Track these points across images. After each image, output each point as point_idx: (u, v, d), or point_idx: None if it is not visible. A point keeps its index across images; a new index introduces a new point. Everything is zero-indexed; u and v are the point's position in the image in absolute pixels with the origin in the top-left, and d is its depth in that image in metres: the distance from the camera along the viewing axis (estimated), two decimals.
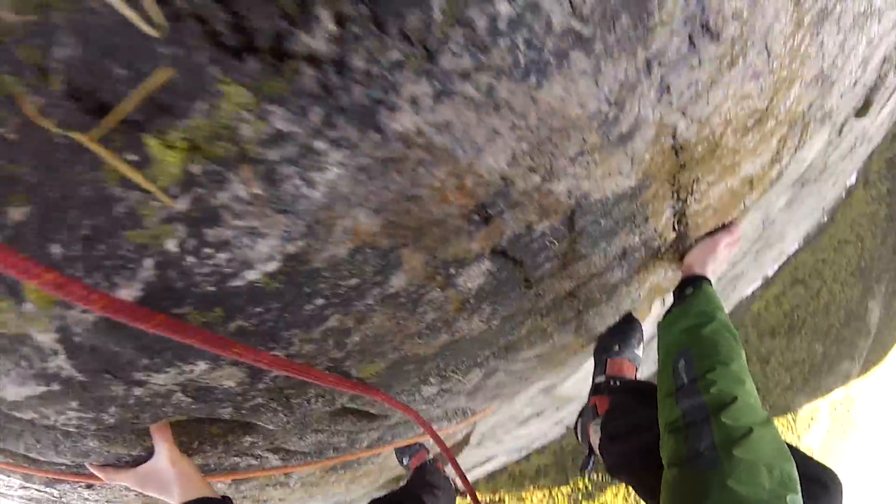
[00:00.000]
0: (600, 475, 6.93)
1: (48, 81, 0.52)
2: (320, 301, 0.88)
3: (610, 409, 1.44)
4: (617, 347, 1.73)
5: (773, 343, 7.04)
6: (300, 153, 0.65)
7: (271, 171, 0.65)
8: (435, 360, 1.29)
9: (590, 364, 1.84)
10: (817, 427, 7.78)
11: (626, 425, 1.32)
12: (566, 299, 1.38)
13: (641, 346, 1.79)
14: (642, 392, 1.43)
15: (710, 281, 1.39)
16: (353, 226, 0.77)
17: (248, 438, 1.36)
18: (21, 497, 1.33)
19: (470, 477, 5.23)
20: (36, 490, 1.29)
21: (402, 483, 2.35)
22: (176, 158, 0.60)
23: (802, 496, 0.86)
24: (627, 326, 1.79)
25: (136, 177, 0.59)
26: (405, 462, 2.52)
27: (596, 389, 1.65)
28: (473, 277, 1.03)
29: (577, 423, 1.67)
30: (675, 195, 1.25)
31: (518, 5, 0.63)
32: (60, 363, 0.79)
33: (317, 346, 0.98)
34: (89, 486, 1.32)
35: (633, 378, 1.70)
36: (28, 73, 0.51)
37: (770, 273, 6.14)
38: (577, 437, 1.66)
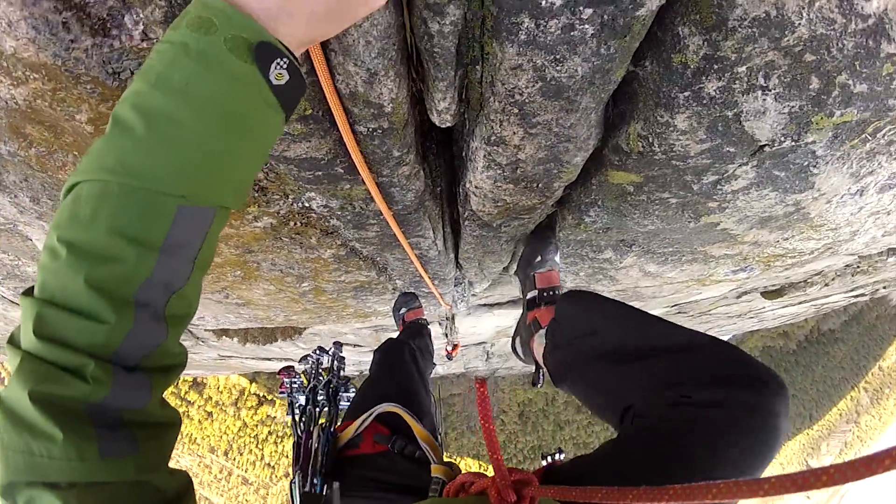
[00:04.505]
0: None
1: None
2: None
3: (555, 317, 1.21)
4: (539, 258, 1.52)
5: None
6: None
7: None
8: None
9: None
10: None
11: (569, 332, 1.12)
12: None
13: (559, 253, 1.56)
14: (583, 298, 1.18)
15: None
16: None
17: None
18: None
19: None
20: None
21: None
22: None
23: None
24: (543, 238, 1.54)
25: None
26: (401, 312, 2.39)
27: (531, 304, 1.50)
28: None
29: (514, 341, 1.56)
30: None
31: None
32: None
33: None
34: None
35: (558, 284, 1.53)
36: None
37: None
38: (519, 356, 1.54)
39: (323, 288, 2.10)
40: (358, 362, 5.76)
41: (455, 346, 3.85)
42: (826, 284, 3.09)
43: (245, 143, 0.51)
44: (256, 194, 1.26)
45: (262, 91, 0.50)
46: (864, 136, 1.02)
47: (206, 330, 3.57)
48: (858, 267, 2.62)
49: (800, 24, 0.71)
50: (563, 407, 14.08)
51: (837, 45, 0.76)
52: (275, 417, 13.42)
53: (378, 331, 3.92)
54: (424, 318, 2.38)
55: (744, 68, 0.77)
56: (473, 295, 3.09)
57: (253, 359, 5.27)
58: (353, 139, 0.93)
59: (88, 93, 0.81)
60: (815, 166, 1.09)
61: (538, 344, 1.27)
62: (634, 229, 1.43)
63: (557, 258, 1.56)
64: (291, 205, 1.32)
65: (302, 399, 1.31)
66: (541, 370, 1.36)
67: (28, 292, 0.49)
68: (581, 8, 0.64)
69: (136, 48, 0.72)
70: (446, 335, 3.64)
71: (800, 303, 4.14)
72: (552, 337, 1.17)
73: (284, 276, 1.91)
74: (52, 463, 0.46)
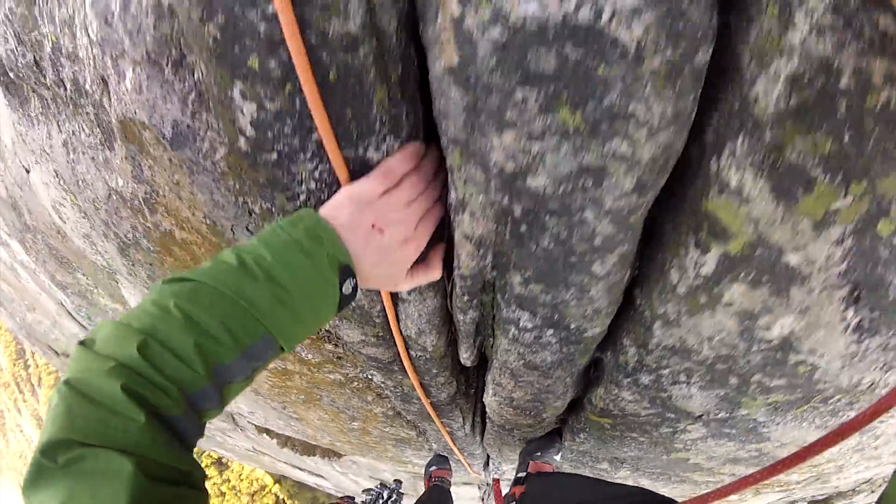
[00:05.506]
0: None
1: None
2: None
3: (525, 491, 1.49)
4: (539, 453, 1.75)
5: None
6: None
7: None
8: None
9: None
10: None
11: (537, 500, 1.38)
12: None
13: (560, 453, 1.76)
14: (549, 475, 1.48)
15: None
16: None
17: None
18: None
19: None
20: None
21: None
22: None
23: None
24: (549, 439, 1.75)
25: None
26: (431, 468, 2.51)
27: (517, 482, 1.75)
28: None
29: None
30: None
31: None
32: None
33: None
34: None
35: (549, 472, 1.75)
36: None
37: None
38: None
39: (369, 431, 2.29)
40: None
41: None
42: (872, 491, 2.73)
43: (313, 318, 0.66)
44: (336, 359, 1.57)
45: (335, 294, 0.66)
46: (810, 405, 1.03)
47: (249, 422, 3.55)
48: None
49: (703, 351, 0.87)
50: None
51: (745, 359, 0.87)
52: None
53: (415, 478, 3.91)
54: (449, 479, 2.48)
55: (667, 371, 0.96)
56: (503, 473, 3.13)
57: (285, 463, 5.10)
58: (406, 356, 1.25)
59: None
60: (764, 427, 1.13)
61: None
62: (620, 453, 1.56)
63: (558, 458, 1.71)
64: (358, 373, 1.63)
65: None
66: None
67: (127, 321, 0.56)
68: (545, 329, 0.91)
69: None
70: (482, 500, 3.60)
71: None
72: None
73: (339, 413, 2.11)
74: (126, 436, 0.49)
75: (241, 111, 0.67)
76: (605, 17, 0.44)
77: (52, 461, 0.46)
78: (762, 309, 0.75)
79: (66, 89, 0.99)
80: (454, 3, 0.48)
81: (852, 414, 1.06)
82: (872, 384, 0.93)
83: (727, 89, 0.54)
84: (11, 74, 1.07)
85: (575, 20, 0.45)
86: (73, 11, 0.81)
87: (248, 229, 0.97)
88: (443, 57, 0.54)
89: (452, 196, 0.74)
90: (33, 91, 1.10)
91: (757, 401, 1.00)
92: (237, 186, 0.87)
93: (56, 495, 0.45)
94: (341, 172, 0.70)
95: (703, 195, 0.62)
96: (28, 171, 1.46)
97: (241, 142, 0.72)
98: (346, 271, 0.67)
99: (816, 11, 0.44)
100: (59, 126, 1.12)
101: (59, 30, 0.87)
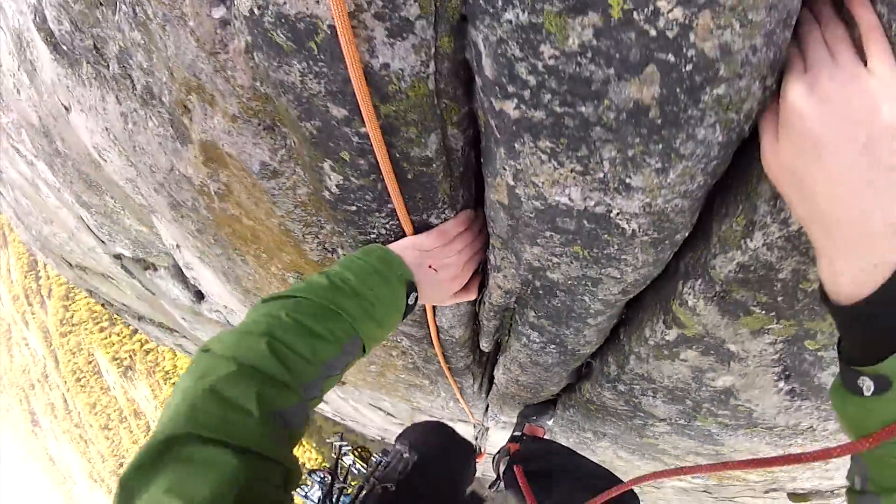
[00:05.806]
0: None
1: None
2: None
3: (520, 449, 1.75)
4: (534, 417, 2.02)
5: None
6: None
7: None
8: None
9: None
10: None
11: (526, 457, 1.64)
12: None
13: (553, 419, 1.99)
14: (541, 440, 1.81)
15: None
16: None
17: None
18: None
19: None
20: None
21: None
22: None
23: None
24: (545, 406, 1.99)
25: None
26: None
27: (513, 439, 1.98)
28: None
29: (494, 457, 2.07)
30: None
31: None
32: None
33: None
34: None
35: (539, 436, 2.01)
36: None
37: None
38: (493, 466, 2.05)
39: (386, 375, 2.65)
40: (385, 430, 5.36)
41: (481, 454, 4.04)
42: None
43: (388, 321, 0.81)
44: None
45: (402, 304, 0.83)
46: (756, 429, 1.23)
47: None
48: None
49: (664, 382, 1.11)
50: None
51: (696, 393, 1.11)
52: None
53: (414, 410, 4.25)
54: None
55: (638, 387, 1.21)
56: (500, 421, 3.49)
57: None
58: (436, 338, 1.53)
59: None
60: (718, 436, 1.36)
61: (502, 463, 1.83)
62: (602, 429, 1.87)
63: (550, 423, 2.04)
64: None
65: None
66: (499, 481, 1.86)
67: (244, 330, 0.65)
68: (549, 344, 1.17)
69: None
70: (476, 438, 3.97)
71: None
72: (513, 459, 1.70)
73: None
74: (241, 429, 0.55)
75: (329, 178, 0.84)
76: (613, 213, 0.65)
77: (168, 452, 0.51)
78: (709, 368, 0.99)
79: (134, 86, 0.94)
80: (510, 176, 0.69)
81: (798, 440, 1.30)
82: (811, 427, 1.17)
83: (698, 243, 0.75)
84: (65, 47, 1.01)
85: (592, 210, 0.66)
86: (149, 40, 0.79)
87: (317, 237, 1.20)
88: (497, 194, 0.75)
89: (491, 259, 0.97)
90: (88, 63, 1.00)
91: (708, 419, 1.26)
92: (314, 211, 1.05)
93: (163, 483, 0.49)
94: (408, 229, 0.93)
95: (671, 296, 0.85)
96: (68, 110, 1.33)
97: (325, 194, 0.89)
98: (411, 286, 0.85)
99: (773, 235, 0.63)
100: (118, 99, 1.02)
101: (129, 42, 0.84)
